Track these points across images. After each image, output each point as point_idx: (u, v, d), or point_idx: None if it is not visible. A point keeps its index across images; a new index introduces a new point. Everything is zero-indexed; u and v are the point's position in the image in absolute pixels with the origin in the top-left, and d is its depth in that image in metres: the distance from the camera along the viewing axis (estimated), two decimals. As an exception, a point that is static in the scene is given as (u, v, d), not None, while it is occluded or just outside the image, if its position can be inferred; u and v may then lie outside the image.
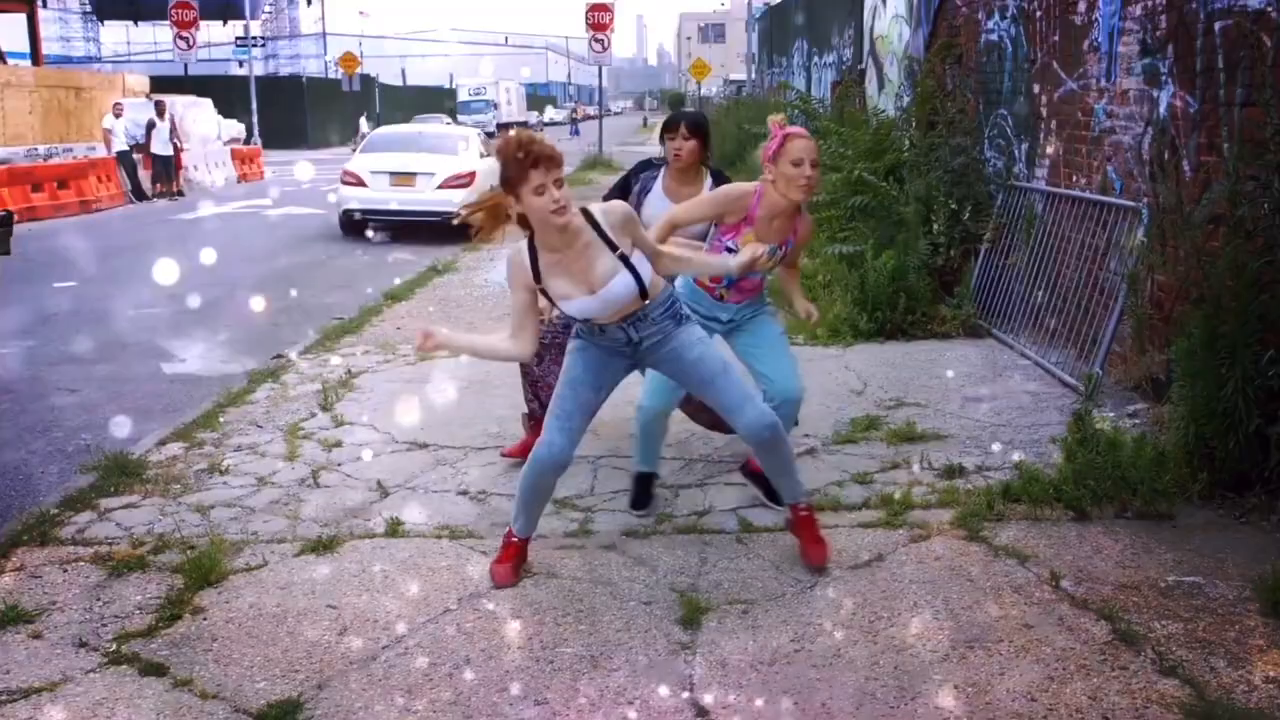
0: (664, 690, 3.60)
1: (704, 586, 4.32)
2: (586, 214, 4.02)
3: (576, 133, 48.50)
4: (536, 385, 5.57)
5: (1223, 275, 5.03)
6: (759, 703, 3.52)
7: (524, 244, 4.10)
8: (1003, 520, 4.88)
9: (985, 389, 6.99)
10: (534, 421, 5.53)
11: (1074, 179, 7.81)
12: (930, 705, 3.49)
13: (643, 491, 5.16)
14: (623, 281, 4.02)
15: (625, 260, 4.01)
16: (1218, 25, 5.79)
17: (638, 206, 5.81)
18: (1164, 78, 6.41)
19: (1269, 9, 5.31)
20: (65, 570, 4.60)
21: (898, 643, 3.87)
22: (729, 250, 4.74)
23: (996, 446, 5.79)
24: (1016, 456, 5.58)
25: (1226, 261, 5.03)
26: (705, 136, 5.37)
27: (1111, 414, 6.07)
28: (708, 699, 3.55)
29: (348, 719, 3.48)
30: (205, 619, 4.14)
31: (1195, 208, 5.72)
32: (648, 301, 4.12)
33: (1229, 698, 3.47)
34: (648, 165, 5.76)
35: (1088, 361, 6.82)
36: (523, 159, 3.86)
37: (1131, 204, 6.73)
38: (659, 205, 5.49)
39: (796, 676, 3.67)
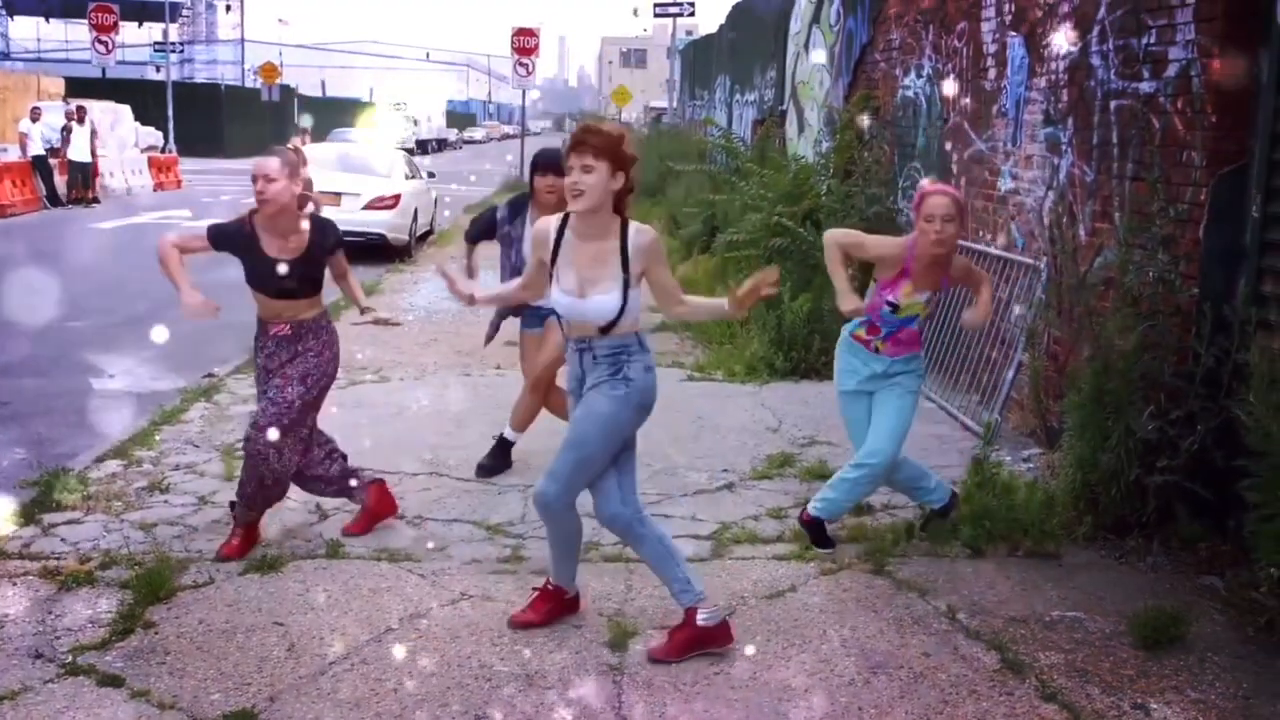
0: (595, 708, 3.90)
1: (630, 612, 4.63)
2: (625, 225, 4.15)
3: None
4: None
5: (1111, 336, 5.50)
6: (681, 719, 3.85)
7: (559, 217, 4.26)
8: (906, 556, 5.27)
9: (892, 430, 7.39)
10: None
11: (980, 234, 8.31)
12: (837, 725, 3.84)
13: None
14: (603, 302, 4.10)
15: (626, 286, 4.11)
16: (1113, 104, 6.30)
17: (513, 242, 6.21)
18: (1064, 147, 6.92)
19: (1158, 94, 5.81)
20: (14, 584, 4.77)
21: (809, 667, 4.22)
22: (889, 304, 5.13)
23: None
24: (920, 496, 5.99)
25: (1115, 324, 5.50)
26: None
27: (1008, 458, 6.52)
28: (635, 717, 3.86)
29: (300, 730, 3.73)
30: (157, 633, 4.35)
31: (1089, 270, 6.22)
32: (602, 337, 4.16)
33: (1101, 722, 3.88)
34: (519, 203, 6.26)
35: (989, 407, 7.28)
36: (570, 138, 4.13)
37: (1032, 262, 7.24)
38: None
39: (716, 697, 4.00)
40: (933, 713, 3.92)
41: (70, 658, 4.14)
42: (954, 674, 4.20)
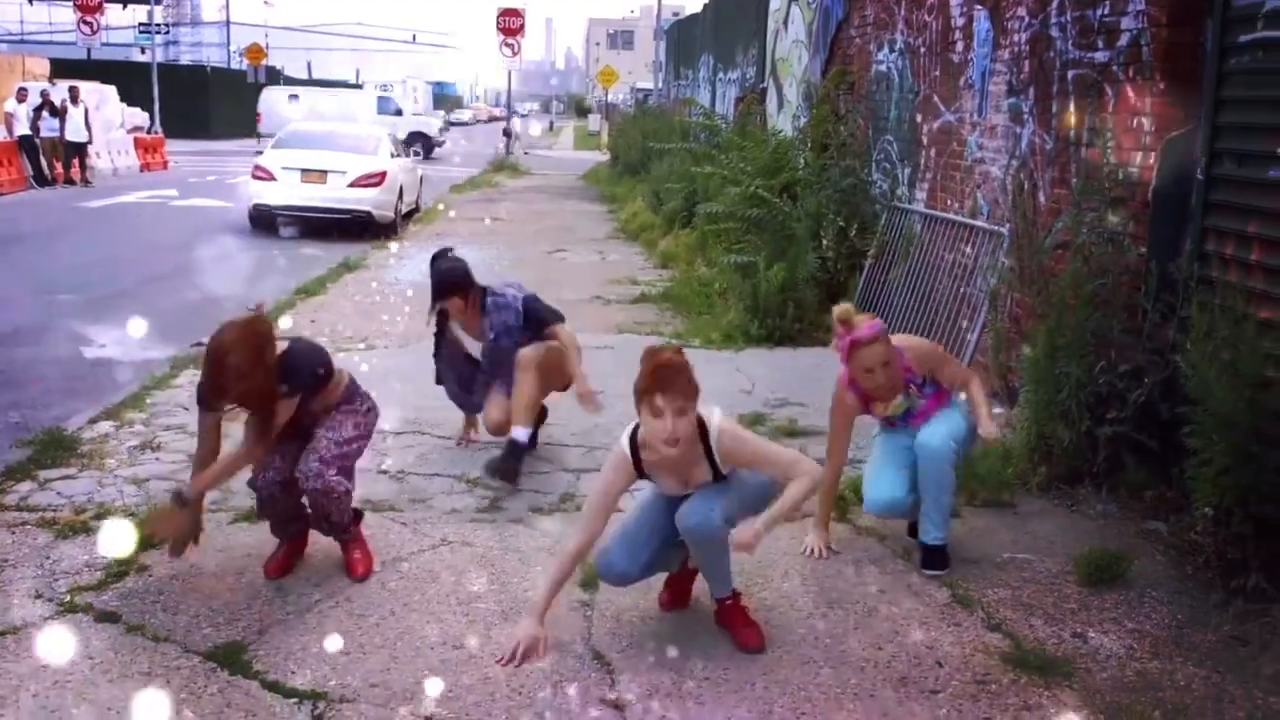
0: (566, 638, 4.14)
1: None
2: (701, 423, 3.97)
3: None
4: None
5: (1063, 294, 5.74)
6: (647, 648, 4.09)
7: (626, 440, 4.09)
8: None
9: (862, 392, 7.63)
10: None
11: (949, 203, 8.55)
12: (795, 653, 4.08)
13: None
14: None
15: (716, 475, 4.07)
16: (1070, 73, 6.53)
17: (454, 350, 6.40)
18: (1025, 116, 7.15)
19: (1111, 63, 6.04)
20: (13, 533, 4.98)
21: (769, 603, 4.47)
22: (883, 421, 4.96)
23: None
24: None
25: (1066, 281, 5.74)
26: (463, 290, 6.07)
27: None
28: (603, 646, 4.10)
29: (287, 659, 3.95)
30: (151, 576, 4.58)
31: (1047, 234, 6.45)
32: None
33: (1041, 648, 4.13)
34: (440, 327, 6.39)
35: (954, 369, 7.51)
36: (652, 377, 3.86)
37: (996, 228, 7.47)
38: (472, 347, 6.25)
39: (681, 628, 4.24)
40: (883, 640, 4.17)
41: (69, 597, 4.36)
42: (906, 608, 4.45)
